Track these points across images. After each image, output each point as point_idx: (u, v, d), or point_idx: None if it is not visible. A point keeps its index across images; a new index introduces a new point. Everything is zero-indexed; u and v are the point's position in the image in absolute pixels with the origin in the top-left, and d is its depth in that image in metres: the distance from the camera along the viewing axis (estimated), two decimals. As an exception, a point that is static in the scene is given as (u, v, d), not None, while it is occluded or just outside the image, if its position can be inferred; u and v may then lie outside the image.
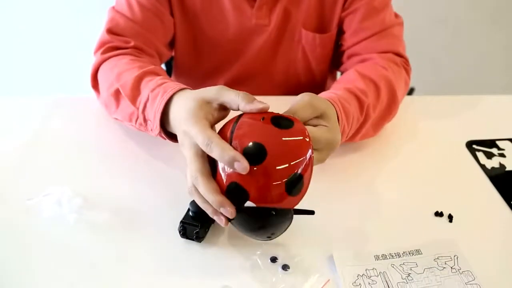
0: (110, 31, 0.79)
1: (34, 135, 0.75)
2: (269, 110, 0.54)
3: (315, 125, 0.58)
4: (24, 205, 0.62)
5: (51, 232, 0.59)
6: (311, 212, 0.55)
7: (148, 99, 0.64)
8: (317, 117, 0.58)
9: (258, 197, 0.50)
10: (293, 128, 0.52)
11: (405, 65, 0.85)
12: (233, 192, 0.50)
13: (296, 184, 0.50)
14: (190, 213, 0.58)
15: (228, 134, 0.52)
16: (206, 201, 0.53)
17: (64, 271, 0.55)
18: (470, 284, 0.56)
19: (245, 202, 0.50)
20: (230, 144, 0.51)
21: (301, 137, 0.52)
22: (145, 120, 0.65)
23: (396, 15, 0.87)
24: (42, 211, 0.61)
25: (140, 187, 0.67)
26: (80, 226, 0.60)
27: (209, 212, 0.53)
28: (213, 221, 0.60)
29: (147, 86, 0.66)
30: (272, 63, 0.93)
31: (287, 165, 0.50)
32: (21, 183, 0.66)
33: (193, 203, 0.58)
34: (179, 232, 0.58)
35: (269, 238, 0.54)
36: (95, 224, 0.61)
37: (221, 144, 0.50)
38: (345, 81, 0.77)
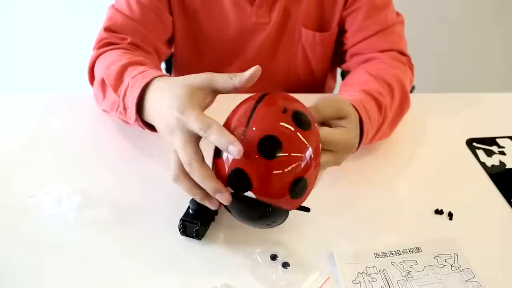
0: (108, 29, 0.79)
1: (34, 133, 0.75)
2: None
3: (335, 126, 0.57)
4: (24, 203, 0.62)
5: (51, 230, 0.59)
6: (307, 209, 0.54)
7: (128, 85, 0.63)
8: (339, 118, 0.58)
9: (259, 190, 0.49)
10: (311, 131, 0.51)
11: (409, 64, 0.85)
12: (236, 178, 0.50)
13: (300, 187, 0.50)
14: (190, 211, 0.58)
15: (244, 122, 0.50)
16: (196, 187, 0.52)
17: (64, 268, 0.55)
18: (470, 282, 0.56)
19: (245, 191, 0.50)
20: (246, 134, 0.49)
21: (315, 142, 0.51)
22: (124, 108, 0.64)
23: (397, 14, 0.87)
24: (42, 209, 0.61)
25: (140, 184, 0.67)
26: (80, 223, 0.60)
27: (198, 198, 0.53)
28: (213, 218, 0.60)
29: (130, 74, 0.64)
30: (271, 62, 0.93)
31: (297, 166, 0.49)
32: (21, 181, 0.66)
33: (193, 200, 0.58)
34: (179, 229, 0.58)
35: (266, 226, 0.54)
36: (95, 221, 0.61)
37: (219, 128, 0.49)
38: (358, 83, 0.76)
